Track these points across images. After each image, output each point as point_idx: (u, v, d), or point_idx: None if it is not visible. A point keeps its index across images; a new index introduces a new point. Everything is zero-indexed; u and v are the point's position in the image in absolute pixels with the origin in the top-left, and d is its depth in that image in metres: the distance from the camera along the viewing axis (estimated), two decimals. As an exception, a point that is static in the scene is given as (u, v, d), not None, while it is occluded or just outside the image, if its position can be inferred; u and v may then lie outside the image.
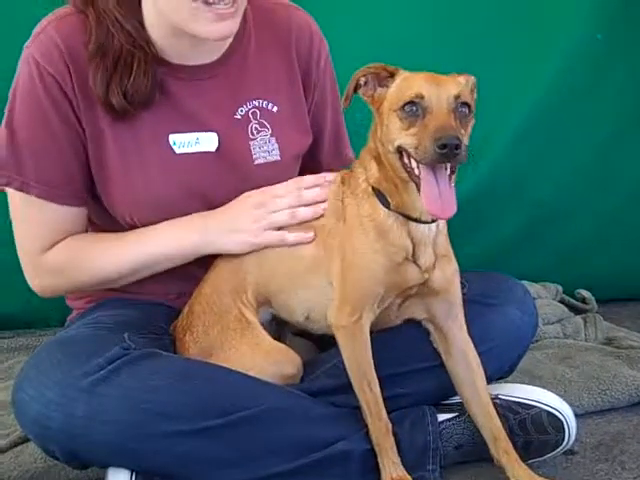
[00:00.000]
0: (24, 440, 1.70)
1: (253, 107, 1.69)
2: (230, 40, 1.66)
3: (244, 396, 1.48)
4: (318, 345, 1.72)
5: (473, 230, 2.40)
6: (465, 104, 1.42)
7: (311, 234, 1.57)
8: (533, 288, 2.37)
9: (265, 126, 1.69)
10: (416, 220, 1.50)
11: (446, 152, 1.33)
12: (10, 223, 1.68)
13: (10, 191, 1.63)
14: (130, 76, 1.56)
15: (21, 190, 1.60)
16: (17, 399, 1.46)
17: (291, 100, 1.73)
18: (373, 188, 1.53)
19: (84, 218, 1.68)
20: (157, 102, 1.61)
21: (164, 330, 1.68)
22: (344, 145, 1.87)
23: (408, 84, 1.44)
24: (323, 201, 1.59)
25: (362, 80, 1.50)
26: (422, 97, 1.40)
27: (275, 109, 1.71)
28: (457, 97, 1.41)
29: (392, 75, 1.48)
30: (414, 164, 1.42)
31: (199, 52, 1.64)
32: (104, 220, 1.71)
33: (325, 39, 1.79)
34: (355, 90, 1.50)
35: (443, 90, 1.41)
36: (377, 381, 1.52)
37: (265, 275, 1.62)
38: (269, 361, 1.56)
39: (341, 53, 1.86)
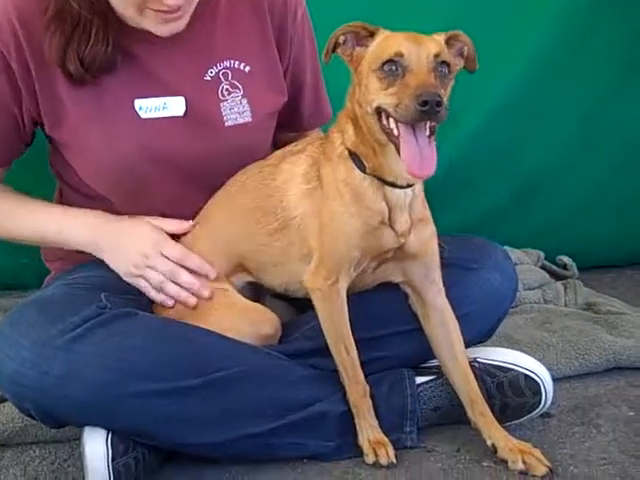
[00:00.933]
0: (1, 400, 1.69)
1: (224, 68, 1.66)
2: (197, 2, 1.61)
3: (221, 356, 1.48)
4: (296, 307, 1.72)
5: (457, 196, 2.39)
6: (445, 63, 1.40)
7: (170, 302, 1.60)
8: (514, 254, 2.36)
9: (237, 87, 1.66)
10: (392, 184, 1.48)
11: (427, 109, 1.31)
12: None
13: None
14: (88, 43, 1.53)
15: None
16: (-8, 357, 1.45)
17: (264, 59, 1.70)
18: (349, 152, 1.51)
19: (2, 176, 1.71)
20: (121, 66, 1.58)
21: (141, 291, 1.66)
22: (323, 102, 1.85)
23: (388, 43, 1.42)
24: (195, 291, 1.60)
25: (341, 38, 1.47)
26: (402, 55, 1.38)
27: (247, 69, 1.67)
28: (437, 55, 1.39)
29: (372, 34, 1.46)
30: (393, 124, 1.40)
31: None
32: (76, 182, 1.71)
33: None
34: (334, 49, 1.47)
35: (423, 49, 1.39)
36: (354, 344, 1.53)
37: (237, 244, 1.62)
38: (246, 321, 1.56)
39: (322, 13, 1.82)
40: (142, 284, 1.61)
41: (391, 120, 1.40)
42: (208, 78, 1.65)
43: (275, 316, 1.58)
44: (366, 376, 1.55)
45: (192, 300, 1.60)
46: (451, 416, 1.62)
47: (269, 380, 1.51)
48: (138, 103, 1.60)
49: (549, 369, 1.65)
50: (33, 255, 1.90)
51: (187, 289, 1.60)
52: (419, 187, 1.54)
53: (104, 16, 1.53)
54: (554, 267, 2.50)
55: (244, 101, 1.66)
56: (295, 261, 1.57)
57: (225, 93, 1.66)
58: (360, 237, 1.49)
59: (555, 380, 1.66)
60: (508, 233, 2.44)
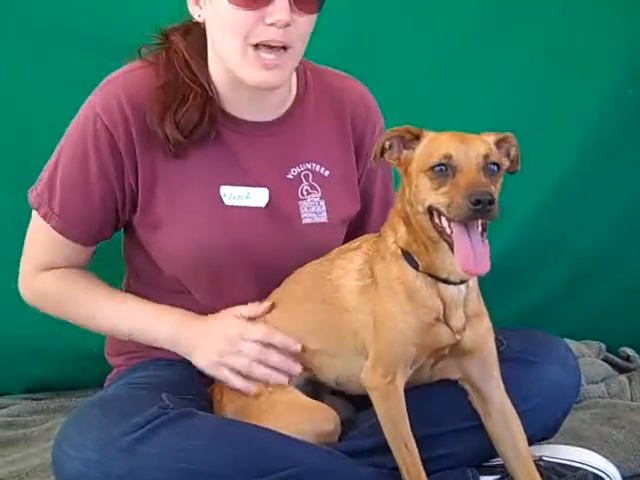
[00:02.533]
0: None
1: (306, 169, 1.73)
2: (290, 103, 1.72)
3: (283, 456, 1.47)
4: (354, 403, 1.71)
5: (511, 288, 2.38)
6: (494, 163, 1.43)
7: (254, 389, 1.60)
8: (575, 346, 2.32)
9: (315, 188, 1.73)
10: (445, 281, 1.49)
11: (480, 208, 1.34)
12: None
13: (35, 215, 1.72)
14: (184, 107, 1.61)
15: (44, 218, 1.69)
16: (56, 458, 1.49)
17: (343, 167, 1.78)
18: (402, 250, 1.53)
19: (88, 257, 1.76)
20: (212, 151, 1.66)
21: (201, 391, 1.68)
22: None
23: (435, 145, 1.45)
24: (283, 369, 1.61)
25: (387, 144, 1.51)
26: (450, 157, 1.41)
27: (327, 173, 1.75)
28: (486, 156, 1.42)
29: (417, 137, 1.50)
30: (445, 223, 1.42)
31: (257, 108, 1.69)
32: (149, 272, 1.75)
33: (380, 112, 1.84)
34: (382, 154, 1.51)
35: (471, 148, 1.42)
36: (414, 441, 1.50)
37: (297, 339, 1.63)
38: (306, 419, 1.56)
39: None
40: (225, 373, 1.61)
41: (443, 219, 1.42)
42: (291, 176, 1.72)
43: (335, 414, 1.57)
44: (428, 474, 1.51)
45: (284, 379, 1.60)
46: (518, 517, 1.57)
47: (330, 479, 1.48)
48: (223, 189, 1.67)
49: (618, 467, 1.61)
50: (93, 358, 1.94)
51: (277, 369, 1.60)
52: (473, 282, 1.55)
53: (203, 88, 1.63)
54: (617, 359, 2.44)
55: (322, 202, 1.73)
56: (350, 356, 1.58)
57: (305, 193, 1.73)
58: (415, 335, 1.50)
59: (625, 478, 1.61)
60: (566, 324, 2.39)
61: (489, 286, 1.63)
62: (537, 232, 2.41)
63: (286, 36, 1.56)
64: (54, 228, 1.68)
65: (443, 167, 1.41)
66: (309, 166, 1.74)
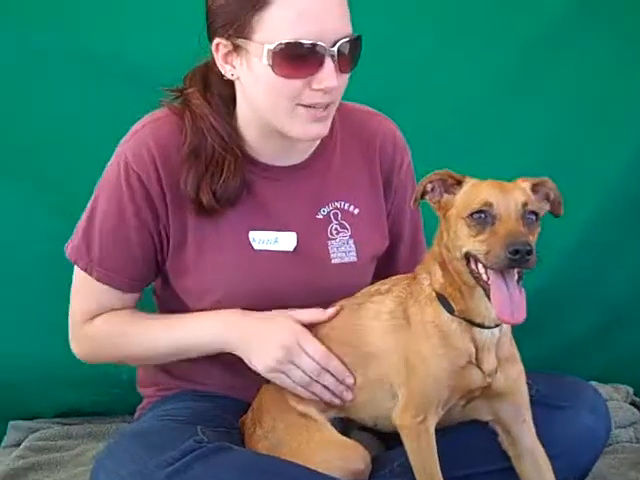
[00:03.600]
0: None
1: (334, 208, 1.74)
2: (317, 143, 1.73)
3: (313, 493, 1.48)
4: (384, 440, 1.72)
5: (539, 331, 2.37)
6: (533, 212, 1.45)
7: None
8: (603, 389, 2.30)
9: (345, 227, 1.74)
10: (480, 325, 1.51)
11: (518, 258, 1.36)
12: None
13: (77, 268, 1.73)
14: (220, 177, 1.63)
15: (85, 270, 1.70)
16: (94, 489, 1.50)
17: (371, 204, 1.78)
18: (437, 293, 1.55)
19: (133, 302, 1.76)
20: (241, 199, 1.67)
21: (234, 424, 1.70)
22: (421, 251, 1.88)
23: (476, 192, 1.48)
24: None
25: (429, 187, 1.53)
26: (490, 205, 1.43)
27: (356, 211, 1.75)
28: (525, 204, 1.44)
29: (459, 182, 1.52)
30: (482, 269, 1.44)
31: (288, 153, 1.71)
32: (178, 310, 1.76)
33: (408, 147, 1.85)
34: (423, 196, 1.54)
35: (511, 197, 1.44)
36: None
37: None
38: (337, 456, 1.56)
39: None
40: (285, 380, 1.61)
41: (480, 265, 1.44)
42: (320, 217, 1.73)
43: (366, 452, 1.58)
44: (458, 516, 1.53)
45: (337, 401, 1.60)
46: None
47: (360, 518, 1.49)
48: (252, 235, 1.68)
49: (646, 514, 1.60)
50: (124, 386, 1.97)
51: (330, 390, 1.60)
52: (507, 326, 1.56)
53: (235, 153, 1.65)
54: (644, 404, 2.43)
55: (351, 241, 1.74)
56: (380, 397, 1.59)
57: (334, 232, 1.73)
58: (448, 377, 1.51)
59: (652, 525, 1.61)
60: (594, 367, 2.40)
61: (519, 327, 1.63)
62: (569, 275, 2.41)
63: (332, 95, 1.58)
64: (97, 280, 1.69)
65: (482, 215, 1.43)
66: (338, 205, 1.74)
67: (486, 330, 1.51)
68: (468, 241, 1.45)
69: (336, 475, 1.53)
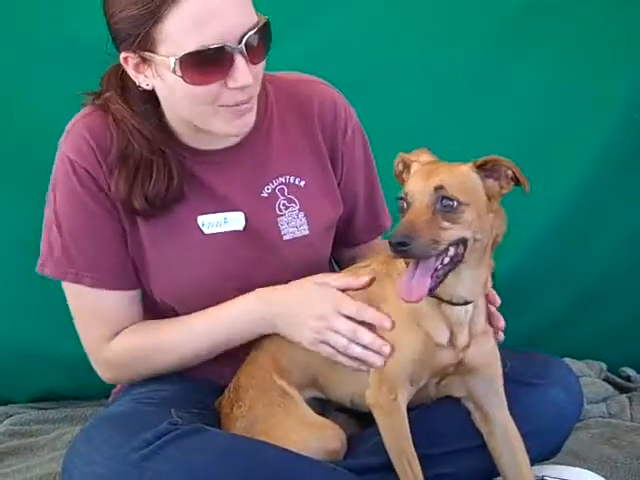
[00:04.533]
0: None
1: (280, 184, 1.72)
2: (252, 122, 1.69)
3: (289, 473, 1.48)
4: (359, 420, 1.73)
5: (514, 308, 2.35)
6: (448, 198, 1.41)
7: (355, 364, 1.56)
8: (576, 366, 2.34)
9: (293, 201, 1.72)
10: (450, 302, 1.51)
11: (394, 249, 1.37)
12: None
13: (65, 284, 1.68)
14: (150, 181, 1.60)
15: (76, 282, 1.65)
16: (67, 474, 1.50)
17: (318, 173, 1.75)
18: None
19: (138, 303, 1.73)
20: (185, 189, 1.64)
21: (208, 405, 1.70)
22: (380, 215, 1.88)
23: (409, 179, 1.48)
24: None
25: (400, 166, 1.53)
26: (406, 194, 1.44)
27: (302, 183, 1.73)
28: (438, 189, 1.42)
29: (408, 167, 1.52)
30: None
31: (223, 140, 1.68)
32: (146, 301, 1.75)
33: (352, 110, 1.81)
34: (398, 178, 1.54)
35: (427, 185, 1.43)
36: (417, 460, 1.52)
37: (309, 360, 1.64)
38: (313, 435, 1.57)
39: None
40: (329, 350, 1.57)
41: None
42: (265, 195, 1.71)
43: (342, 431, 1.59)
44: (432, 493, 1.54)
45: (379, 360, 1.54)
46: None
47: (336, 497, 1.50)
48: (201, 220, 1.67)
49: (618, 487, 1.63)
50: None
51: (370, 348, 1.55)
52: (482, 302, 1.57)
53: (163, 154, 1.62)
54: (617, 379, 2.45)
55: (301, 215, 1.72)
56: (357, 373, 1.59)
57: (282, 208, 1.72)
58: (419, 354, 1.52)
59: (625, 499, 1.63)
60: (568, 344, 2.42)
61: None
62: (543, 254, 2.43)
63: (252, 89, 1.55)
64: (91, 286, 1.65)
65: (402, 203, 1.44)
66: (283, 180, 1.72)
67: (457, 307, 1.52)
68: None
69: (312, 454, 1.54)
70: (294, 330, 1.60)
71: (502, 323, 1.60)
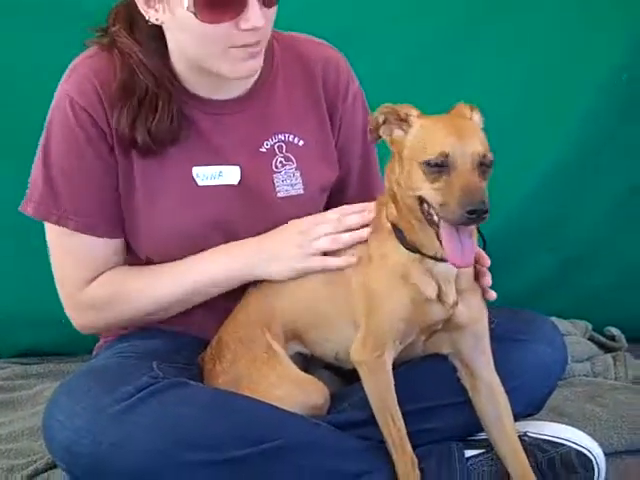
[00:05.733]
0: (51, 466, 1.71)
1: (279, 141, 1.71)
2: (257, 75, 1.69)
3: (271, 427, 1.49)
4: (344, 378, 1.72)
5: (501, 269, 2.37)
6: (487, 158, 1.41)
7: (354, 258, 1.56)
8: (562, 325, 2.33)
9: (290, 159, 1.71)
10: (434, 258, 1.50)
11: (474, 217, 1.35)
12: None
13: (48, 225, 1.66)
14: (155, 116, 1.59)
15: (58, 224, 1.63)
16: (47, 425, 1.49)
17: (317, 134, 1.75)
18: (393, 225, 1.53)
19: (123, 250, 1.71)
20: (183, 135, 1.63)
21: (191, 360, 1.69)
22: (374, 181, 1.86)
23: (430, 136, 1.43)
24: (364, 226, 1.58)
25: (381, 118, 1.49)
26: (446, 156, 1.39)
27: (301, 143, 1.72)
28: (483, 156, 1.41)
29: (404, 119, 1.48)
30: (434, 214, 1.42)
31: (225, 88, 1.67)
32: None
33: (354, 75, 1.80)
34: (376, 130, 1.50)
35: (468, 147, 1.40)
36: (401, 416, 1.52)
37: (295, 314, 1.63)
38: (297, 391, 1.57)
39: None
40: (317, 263, 1.59)
41: (425, 207, 1.43)
42: (263, 150, 1.70)
43: (325, 387, 1.59)
44: (414, 447, 1.53)
45: (366, 234, 1.56)
46: (502, 491, 1.60)
47: (318, 451, 1.51)
48: (195, 170, 1.65)
49: (600, 444, 1.62)
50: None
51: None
52: None
53: (168, 90, 1.60)
54: (602, 339, 2.46)
55: (297, 174, 1.71)
56: (342, 329, 1.59)
57: (279, 165, 1.70)
58: (406, 311, 1.51)
59: (606, 455, 1.63)
60: (554, 304, 2.42)
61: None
62: (528, 217, 2.42)
63: (263, 31, 1.54)
64: (75, 229, 1.63)
65: (438, 165, 1.40)
66: (282, 137, 1.71)
67: (442, 263, 1.50)
68: (423, 185, 1.42)
69: (295, 410, 1.54)
70: (278, 264, 1.60)
71: (489, 280, 1.59)
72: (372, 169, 1.86)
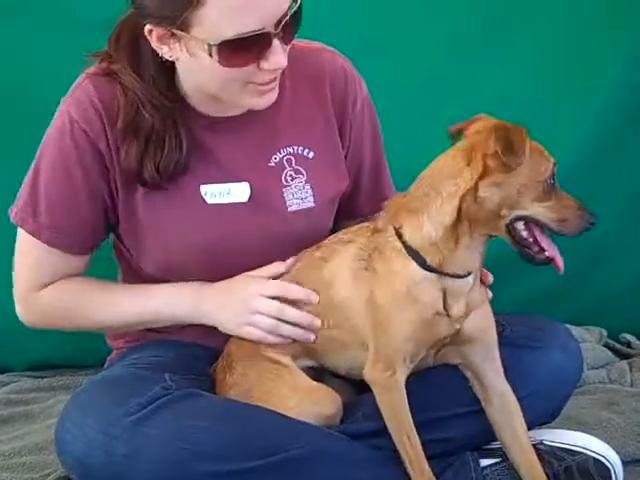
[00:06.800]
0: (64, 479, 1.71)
1: (288, 154, 1.69)
2: None
3: (284, 437, 1.48)
4: (355, 386, 1.71)
5: (515, 274, 2.37)
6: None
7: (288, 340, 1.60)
8: (576, 331, 2.31)
9: (300, 172, 1.69)
10: (455, 276, 1.49)
11: (590, 227, 1.47)
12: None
13: (22, 232, 1.68)
14: (162, 152, 1.58)
15: (32, 234, 1.65)
16: (60, 438, 1.49)
17: (326, 145, 1.73)
18: (405, 246, 1.50)
19: (85, 265, 1.73)
20: (192, 159, 1.62)
21: (204, 371, 1.68)
22: (385, 188, 1.85)
23: (539, 158, 1.46)
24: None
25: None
26: (554, 175, 1.46)
27: (310, 155, 1.71)
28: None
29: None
30: (524, 231, 1.47)
31: (234, 108, 1.65)
32: (133, 273, 1.75)
33: (363, 81, 1.79)
34: None
35: (552, 164, 1.47)
36: (415, 432, 1.51)
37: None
38: (309, 401, 1.56)
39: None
40: (256, 333, 1.60)
41: (522, 227, 1.47)
42: (272, 164, 1.68)
43: (338, 396, 1.58)
44: (428, 458, 1.52)
45: (311, 336, 1.58)
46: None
47: (332, 460, 1.49)
48: (204, 189, 1.64)
49: (617, 452, 1.61)
50: (95, 337, 1.94)
51: (299, 325, 1.58)
52: (476, 272, 1.54)
53: (175, 119, 1.59)
54: (617, 345, 2.44)
55: (307, 187, 1.69)
56: (353, 346, 1.58)
57: (289, 179, 1.69)
58: (414, 331, 1.50)
59: (623, 463, 1.61)
60: (568, 310, 2.39)
61: (493, 272, 1.63)
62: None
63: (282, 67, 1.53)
64: (46, 242, 1.64)
65: (552, 181, 1.45)
66: (291, 150, 1.69)
67: (459, 279, 1.49)
68: (531, 205, 1.44)
69: (308, 420, 1.53)
70: (221, 319, 1.63)
71: (490, 279, 1.61)
72: (382, 172, 1.85)
